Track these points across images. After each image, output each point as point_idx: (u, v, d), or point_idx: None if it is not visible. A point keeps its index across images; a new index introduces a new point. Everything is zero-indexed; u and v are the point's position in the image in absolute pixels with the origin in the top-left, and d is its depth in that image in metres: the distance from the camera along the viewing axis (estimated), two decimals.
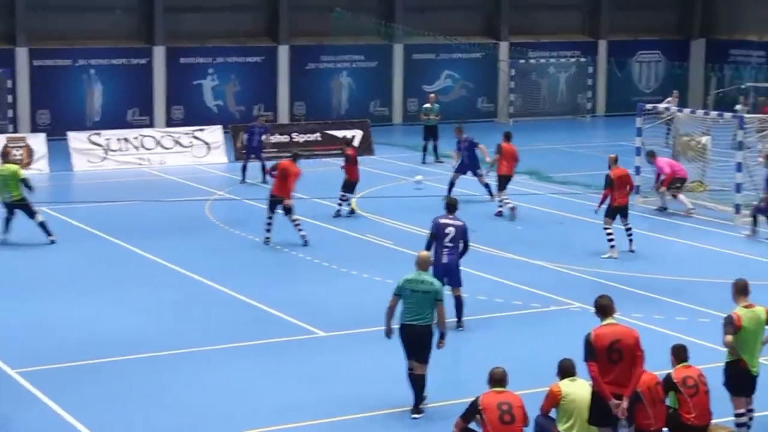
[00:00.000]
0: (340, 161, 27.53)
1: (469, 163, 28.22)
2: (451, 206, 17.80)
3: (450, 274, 17.35)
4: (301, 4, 42.70)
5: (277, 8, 42.22)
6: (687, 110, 30.33)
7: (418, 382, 14.11)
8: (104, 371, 15.81)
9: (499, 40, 45.50)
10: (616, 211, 22.61)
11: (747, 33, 47.12)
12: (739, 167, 25.60)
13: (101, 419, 14.04)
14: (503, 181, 26.80)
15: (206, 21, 41.55)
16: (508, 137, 27.38)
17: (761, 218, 24.31)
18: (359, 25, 41.59)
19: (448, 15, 44.96)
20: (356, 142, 36.08)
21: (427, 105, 35.58)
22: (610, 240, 22.53)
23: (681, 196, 26.92)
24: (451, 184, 28.15)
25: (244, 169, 31.01)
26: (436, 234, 17.41)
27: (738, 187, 25.63)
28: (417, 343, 14.05)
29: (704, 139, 29.00)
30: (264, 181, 30.05)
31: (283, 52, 42.15)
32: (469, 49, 44.49)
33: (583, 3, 48.06)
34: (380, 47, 43.43)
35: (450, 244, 17.39)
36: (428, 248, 17.11)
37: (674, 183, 27.06)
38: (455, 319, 17.40)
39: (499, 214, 26.65)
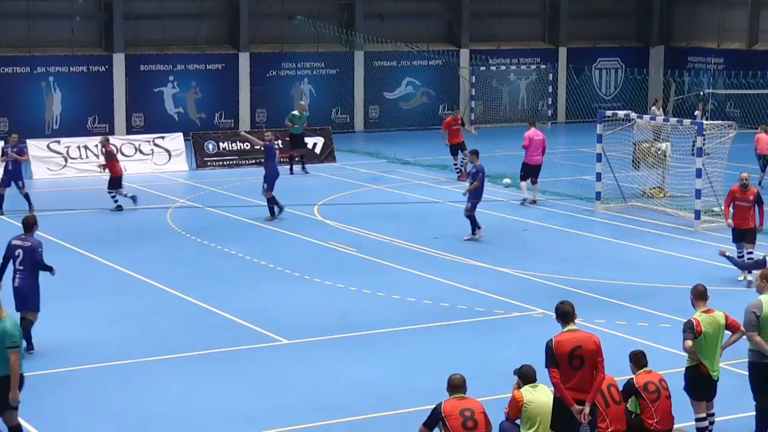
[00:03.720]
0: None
1: (12, 170, 26.92)
2: (26, 225, 16.54)
3: (24, 299, 16.35)
4: (262, 11, 42.67)
5: (237, 16, 42.16)
6: (646, 116, 30.51)
7: None
8: (64, 380, 15.69)
9: (459, 47, 45.63)
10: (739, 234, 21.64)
11: (705, 40, 47.55)
12: (698, 173, 25.79)
13: (62, 429, 13.95)
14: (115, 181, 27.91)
15: (166, 28, 41.43)
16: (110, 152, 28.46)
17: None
18: (319, 32, 41.62)
19: (408, 22, 45.09)
20: (318, 150, 36.12)
21: (295, 112, 35.10)
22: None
23: (536, 185, 28.75)
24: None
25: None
26: (8, 255, 16.39)
27: (698, 193, 25.82)
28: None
29: (664, 146, 29.20)
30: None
31: (244, 60, 42.10)
32: (430, 57, 44.62)
33: (543, 11, 48.35)
34: (341, 54, 43.45)
35: (20, 267, 16.34)
36: (3, 272, 16.40)
37: (531, 170, 28.84)
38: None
39: (119, 208, 27.81)
